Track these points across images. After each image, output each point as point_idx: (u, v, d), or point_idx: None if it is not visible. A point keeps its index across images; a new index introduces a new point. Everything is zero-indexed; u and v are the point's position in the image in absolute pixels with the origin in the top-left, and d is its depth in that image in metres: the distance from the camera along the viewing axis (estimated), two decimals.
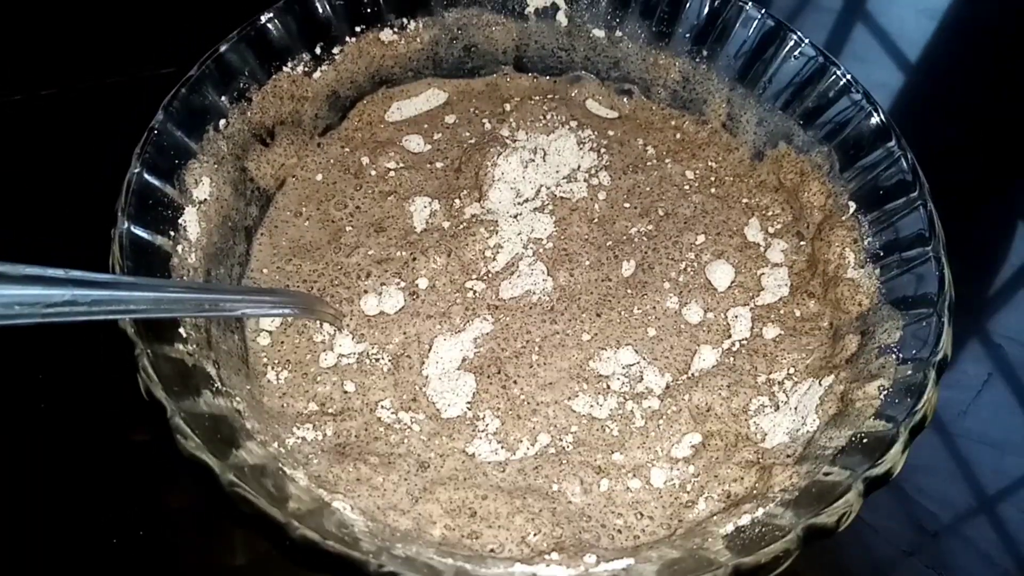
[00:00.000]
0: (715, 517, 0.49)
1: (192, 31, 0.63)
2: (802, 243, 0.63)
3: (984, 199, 0.81)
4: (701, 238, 0.64)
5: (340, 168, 0.66)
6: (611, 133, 0.70)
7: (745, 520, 0.45)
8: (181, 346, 0.47)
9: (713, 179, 0.68)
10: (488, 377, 0.56)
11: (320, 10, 0.64)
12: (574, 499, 0.51)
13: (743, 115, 0.67)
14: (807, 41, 0.63)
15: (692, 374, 0.57)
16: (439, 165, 0.67)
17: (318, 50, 0.65)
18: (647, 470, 0.53)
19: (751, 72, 0.65)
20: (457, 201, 0.64)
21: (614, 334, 0.58)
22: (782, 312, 0.60)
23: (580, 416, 0.55)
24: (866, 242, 0.57)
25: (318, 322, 0.57)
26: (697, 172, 0.68)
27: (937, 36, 0.96)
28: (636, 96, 0.72)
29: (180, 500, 0.57)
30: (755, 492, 0.49)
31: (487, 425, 0.54)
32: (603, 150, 0.68)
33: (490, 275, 0.61)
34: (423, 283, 0.59)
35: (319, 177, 0.65)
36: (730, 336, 0.59)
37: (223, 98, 0.58)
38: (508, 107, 0.71)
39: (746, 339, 0.59)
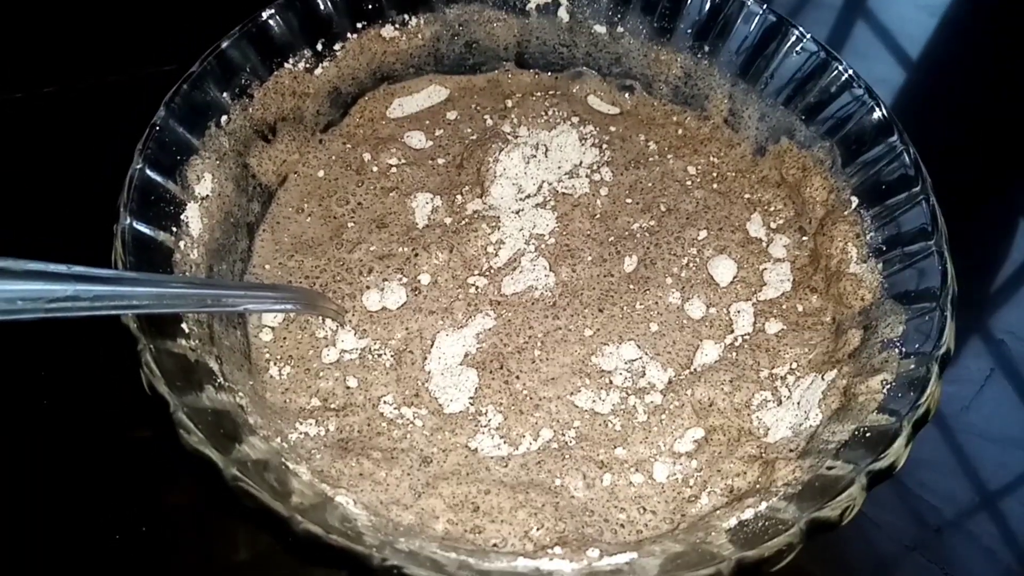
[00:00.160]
0: (718, 511, 0.49)
1: (193, 28, 0.63)
2: (804, 238, 0.63)
3: (985, 196, 0.81)
4: (703, 233, 0.64)
5: (342, 164, 0.66)
6: (613, 129, 0.70)
7: (748, 514, 0.45)
8: (184, 341, 0.47)
9: (715, 175, 0.68)
10: (490, 372, 0.56)
11: (321, 6, 0.64)
12: (577, 494, 0.51)
13: (745, 111, 0.67)
14: (809, 36, 0.63)
15: (694, 369, 0.57)
16: (441, 161, 0.67)
17: (319, 46, 0.65)
18: (650, 465, 0.53)
19: (753, 68, 0.65)
20: (459, 197, 0.64)
21: (616, 329, 0.58)
22: (784, 307, 0.60)
23: (583, 411, 0.55)
24: (868, 237, 0.57)
25: (320, 318, 0.57)
26: (699, 168, 0.68)
27: (938, 33, 0.96)
28: (638, 92, 0.72)
29: (182, 497, 0.57)
30: (758, 486, 0.49)
31: (489, 420, 0.54)
32: (605, 146, 0.68)
33: (492, 271, 0.61)
34: (425, 279, 0.59)
35: (321, 173, 0.65)
36: (732, 331, 0.59)
37: (225, 94, 0.58)
38: (510, 103, 0.71)
39: (748, 334, 0.59)
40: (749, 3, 0.64)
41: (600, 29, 0.71)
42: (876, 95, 0.59)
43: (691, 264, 0.62)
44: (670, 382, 0.56)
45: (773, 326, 0.59)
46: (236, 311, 0.55)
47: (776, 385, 0.56)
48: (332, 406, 0.54)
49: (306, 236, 0.62)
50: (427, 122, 0.70)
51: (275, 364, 0.55)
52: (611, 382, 0.56)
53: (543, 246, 0.62)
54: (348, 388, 0.55)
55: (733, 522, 0.45)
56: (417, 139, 0.68)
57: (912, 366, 0.48)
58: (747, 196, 0.66)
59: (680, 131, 0.70)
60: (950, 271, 0.51)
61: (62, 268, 0.37)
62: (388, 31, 0.68)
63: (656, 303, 0.60)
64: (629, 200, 0.66)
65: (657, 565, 0.43)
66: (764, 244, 0.63)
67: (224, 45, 0.58)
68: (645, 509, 0.51)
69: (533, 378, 0.56)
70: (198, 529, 0.56)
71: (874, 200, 0.58)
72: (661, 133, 0.70)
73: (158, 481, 0.57)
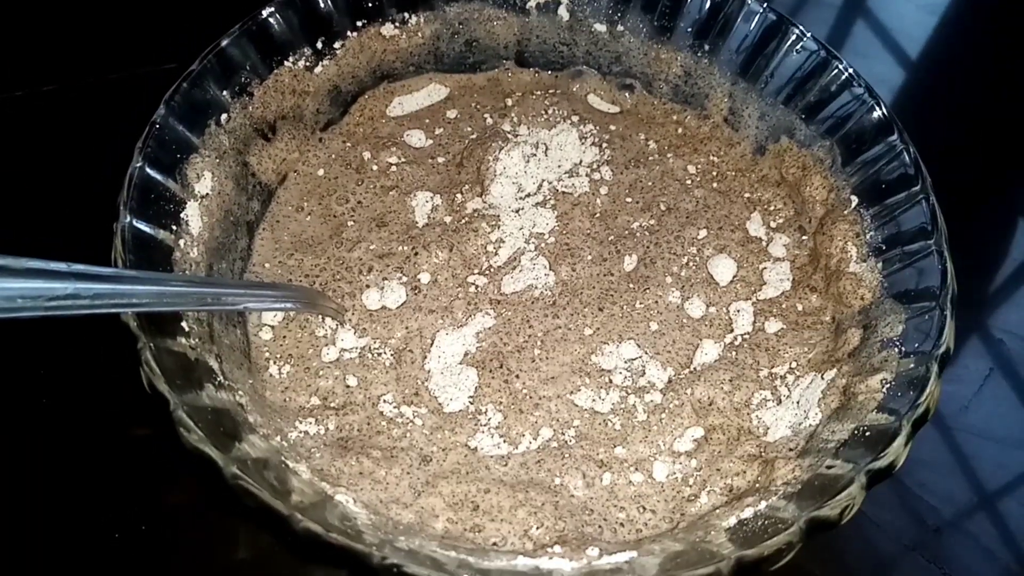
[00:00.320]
0: (717, 510, 0.49)
1: (193, 27, 0.63)
2: (804, 237, 0.63)
3: (985, 196, 0.81)
4: (703, 233, 0.64)
5: (341, 163, 0.66)
6: (613, 128, 0.70)
7: (748, 513, 0.45)
8: (183, 340, 0.47)
9: (715, 174, 0.68)
10: (490, 371, 0.56)
11: (321, 4, 0.64)
12: (576, 493, 0.51)
13: (745, 110, 0.67)
14: (809, 35, 0.63)
15: (694, 368, 0.57)
16: (440, 160, 0.67)
17: (319, 45, 0.65)
18: (649, 464, 0.53)
19: (753, 66, 0.65)
20: (459, 196, 0.64)
21: (616, 328, 0.58)
22: (784, 306, 0.60)
23: (582, 410, 0.55)
24: (868, 236, 0.57)
25: (320, 317, 0.57)
26: (699, 167, 0.68)
27: (937, 32, 0.96)
28: (638, 91, 0.72)
29: (182, 495, 0.57)
30: (757, 485, 0.49)
31: (489, 419, 0.54)
32: (605, 145, 0.68)
33: (492, 270, 0.61)
34: (425, 278, 0.59)
35: (320, 172, 0.65)
36: (732, 330, 0.59)
37: (224, 93, 0.58)
38: (510, 102, 0.71)
39: (748, 333, 0.59)
40: (749, 2, 0.64)
41: (600, 28, 0.71)
42: (876, 94, 0.59)
43: (691, 263, 0.62)
44: (670, 381, 0.56)
45: (773, 325, 0.59)
46: (236, 310, 0.55)
47: (776, 384, 0.56)
48: (332, 405, 0.54)
49: (306, 235, 0.62)
50: (427, 121, 0.70)
51: (275, 363, 0.55)
52: (611, 381, 0.56)
53: (543, 245, 0.62)
54: (348, 387, 0.55)
55: (733, 521, 0.45)
56: (417, 138, 0.68)
57: (912, 365, 0.48)
58: (747, 195, 0.66)
59: (680, 130, 0.70)
60: (950, 270, 0.51)
61: (62, 266, 0.37)
62: (388, 29, 0.68)
63: (656, 302, 0.60)
64: (629, 199, 0.66)
65: (656, 564, 0.43)
66: (764, 243, 0.63)
67: (224, 43, 0.58)
68: (645, 508, 0.51)
69: (533, 377, 0.56)
70: (198, 528, 0.56)
71: (874, 199, 0.58)
72: (661, 132, 0.70)
73: (158, 480, 0.57)
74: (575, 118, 0.68)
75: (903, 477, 0.62)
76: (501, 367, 0.56)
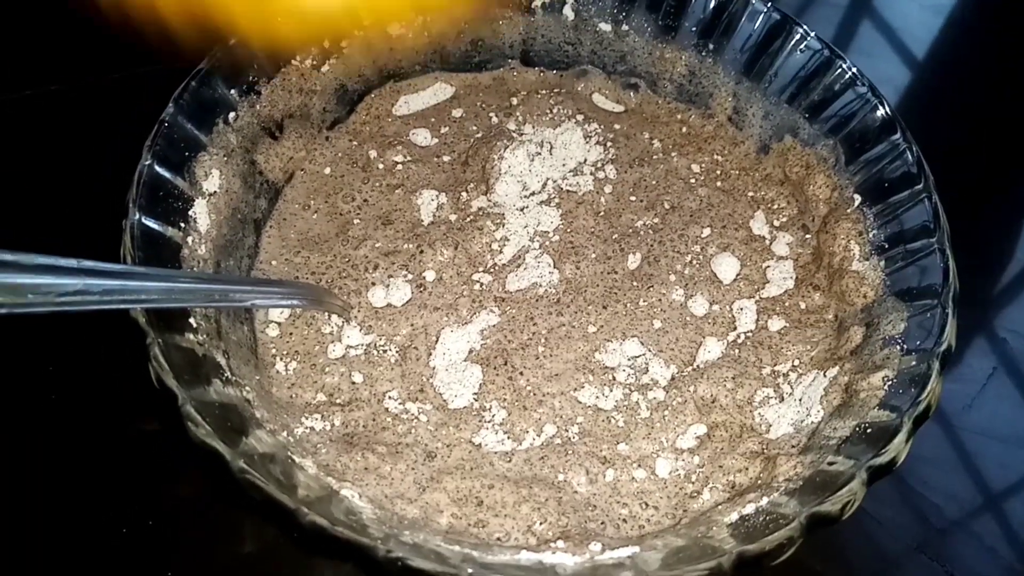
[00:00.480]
0: (720, 506, 0.49)
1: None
2: (807, 236, 0.63)
3: (989, 195, 0.81)
4: (707, 231, 0.64)
5: (348, 162, 0.67)
6: (617, 127, 0.70)
7: (750, 509, 0.46)
8: (191, 336, 0.48)
9: (719, 172, 0.68)
10: (495, 368, 0.56)
11: None
12: (580, 489, 0.51)
13: (749, 108, 0.68)
14: (813, 34, 0.63)
15: (697, 366, 0.57)
16: (446, 158, 0.68)
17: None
18: (652, 461, 0.53)
19: (757, 65, 0.66)
20: (464, 194, 0.64)
21: (620, 326, 0.59)
22: (787, 304, 0.60)
23: (586, 407, 0.55)
24: (871, 234, 0.58)
25: (326, 314, 0.57)
26: (703, 165, 0.68)
27: (943, 32, 0.96)
28: (642, 90, 0.72)
29: (188, 491, 0.58)
30: (760, 482, 0.49)
31: (493, 416, 0.54)
32: (609, 143, 0.68)
33: (497, 267, 0.61)
34: (430, 275, 0.60)
35: (327, 171, 0.66)
36: (735, 328, 0.59)
37: (232, 91, 0.58)
38: (515, 101, 0.71)
39: (751, 331, 0.59)
40: (753, 1, 0.65)
41: (605, 27, 0.71)
42: (879, 93, 0.60)
43: (694, 261, 0.62)
44: (673, 379, 0.57)
45: (776, 323, 0.59)
46: (243, 306, 0.55)
47: (778, 382, 0.56)
48: (338, 401, 0.54)
49: (312, 232, 0.62)
50: (432, 120, 0.70)
51: (281, 359, 0.56)
52: (614, 378, 0.56)
53: (547, 243, 0.62)
54: (353, 383, 0.55)
55: (734, 517, 0.46)
56: (422, 137, 0.69)
57: (913, 362, 0.48)
58: (751, 194, 0.66)
59: (684, 129, 0.71)
60: (952, 268, 0.51)
61: (72, 262, 0.38)
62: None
63: (659, 300, 0.60)
64: (633, 197, 0.66)
65: (659, 559, 0.43)
66: (767, 242, 0.64)
67: (232, 42, 0.58)
68: (647, 504, 0.51)
69: (537, 374, 0.56)
70: (204, 523, 0.57)
71: (877, 198, 0.58)
72: (665, 131, 0.71)
73: (164, 476, 0.58)
74: (580, 117, 0.69)
75: (906, 476, 0.62)
76: (505, 364, 0.56)
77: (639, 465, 0.53)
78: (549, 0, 0.71)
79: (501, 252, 0.62)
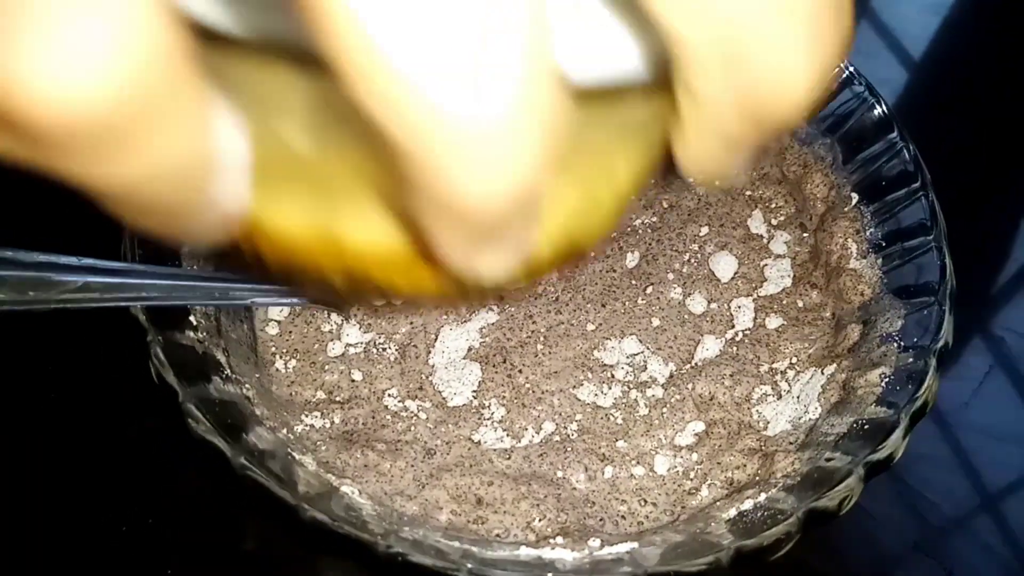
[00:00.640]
0: (718, 503, 0.49)
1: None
2: (805, 234, 0.64)
3: (987, 196, 0.81)
4: (704, 229, 0.64)
5: None
6: None
7: (747, 505, 0.46)
8: (192, 333, 0.48)
9: None
10: (494, 366, 0.56)
11: None
12: (579, 486, 0.52)
13: None
14: None
15: (696, 364, 0.58)
16: None
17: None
18: (651, 458, 0.53)
19: None
20: None
21: (618, 324, 0.59)
22: (785, 303, 0.60)
23: (585, 404, 0.55)
24: (868, 233, 0.58)
25: (326, 312, 0.57)
26: None
27: (941, 33, 0.96)
28: None
29: (188, 488, 0.58)
30: (757, 478, 0.50)
31: (492, 413, 0.54)
32: None
33: None
34: None
35: None
36: (733, 326, 0.59)
37: None
38: None
39: (749, 329, 0.59)
40: None
41: None
42: (876, 92, 0.60)
43: (692, 260, 0.63)
44: (671, 376, 0.57)
45: (773, 321, 0.59)
46: (243, 304, 0.55)
47: (776, 379, 0.56)
48: (337, 399, 0.55)
49: None
50: None
51: (281, 357, 0.56)
52: (613, 376, 0.56)
53: None
54: (353, 381, 0.55)
55: (732, 513, 0.46)
56: None
57: (910, 359, 0.49)
58: (748, 193, 0.67)
59: None
60: (948, 266, 0.51)
61: (73, 260, 0.38)
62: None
63: (658, 298, 0.60)
64: (631, 196, 0.66)
65: (658, 554, 0.43)
66: (765, 240, 0.64)
67: None
68: (646, 501, 0.51)
69: (536, 372, 0.57)
70: (204, 520, 0.57)
71: (874, 196, 0.58)
72: None
73: (164, 474, 0.58)
74: None
75: (904, 474, 0.62)
76: (504, 362, 0.56)
77: (638, 462, 0.53)
78: None
79: None
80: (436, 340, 0.57)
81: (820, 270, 0.61)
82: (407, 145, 0.18)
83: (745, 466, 0.51)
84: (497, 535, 0.48)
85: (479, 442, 0.53)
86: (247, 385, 0.50)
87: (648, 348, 0.58)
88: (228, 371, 0.49)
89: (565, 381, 0.56)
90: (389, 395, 0.55)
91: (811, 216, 0.64)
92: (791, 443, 0.52)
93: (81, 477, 0.57)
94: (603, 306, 0.60)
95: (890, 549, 0.60)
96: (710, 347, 0.58)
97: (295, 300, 0.55)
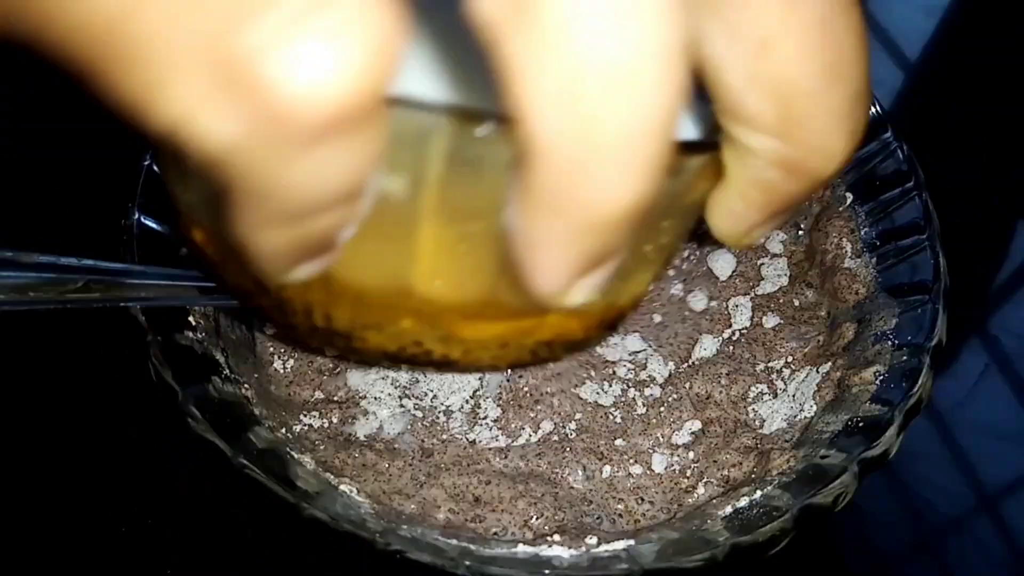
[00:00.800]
0: (714, 500, 0.49)
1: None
2: (800, 234, 0.64)
3: (982, 196, 0.81)
4: (703, 226, 0.64)
5: None
6: None
7: (743, 502, 0.46)
8: (190, 334, 0.48)
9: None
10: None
11: None
12: (576, 485, 0.52)
13: None
14: None
15: (693, 362, 0.58)
16: None
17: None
18: (648, 456, 0.53)
19: None
20: None
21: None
22: (781, 302, 0.61)
23: (585, 403, 0.55)
24: (863, 232, 0.58)
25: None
26: None
27: (937, 34, 0.97)
28: None
29: (187, 489, 0.58)
30: (753, 476, 0.50)
31: (487, 414, 0.55)
32: None
33: None
34: None
35: None
36: (731, 325, 0.60)
37: None
38: None
39: (746, 328, 0.59)
40: None
41: None
42: (871, 93, 0.60)
43: (691, 256, 0.63)
44: (670, 375, 0.57)
45: (770, 320, 0.60)
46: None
47: (772, 378, 0.57)
48: (335, 399, 0.55)
49: None
50: None
51: (279, 358, 0.56)
52: (614, 373, 0.57)
53: None
54: (350, 382, 0.55)
55: (728, 510, 0.46)
56: None
57: (905, 357, 0.49)
58: None
59: None
60: (942, 265, 0.52)
61: (73, 261, 0.38)
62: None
63: (659, 294, 0.61)
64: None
65: (654, 551, 0.44)
66: (762, 239, 0.64)
67: None
68: (643, 499, 0.52)
69: (537, 373, 0.57)
70: (204, 520, 0.57)
71: (868, 196, 0.59)
72: None
73: (164, 473, 0.58)
74: None
75: (900, 472, 0.62)
76: None
77: (635, 461, 0.53)
78: None
79: None
80: None
81: (815, 269, 0.61)
82: (554, 154, 0.20)
83: (741, 464, 0.52)
84: (495, 533, 0.49)
85: (475, 441, 0.54)
86: (246, 385, 0.50)
87: (650, 346, 0.58)
88: (227, 371, 0.49)
89: (568, 380, 0.56)
90: (388, 395, 0.55)
91: (806, 216, 0.64)
92: (787, 441, 0.52)
93: (81, 477, 0.58)
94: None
95: (886, 546, 0.60)
96: (707, 346, 0.58)
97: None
